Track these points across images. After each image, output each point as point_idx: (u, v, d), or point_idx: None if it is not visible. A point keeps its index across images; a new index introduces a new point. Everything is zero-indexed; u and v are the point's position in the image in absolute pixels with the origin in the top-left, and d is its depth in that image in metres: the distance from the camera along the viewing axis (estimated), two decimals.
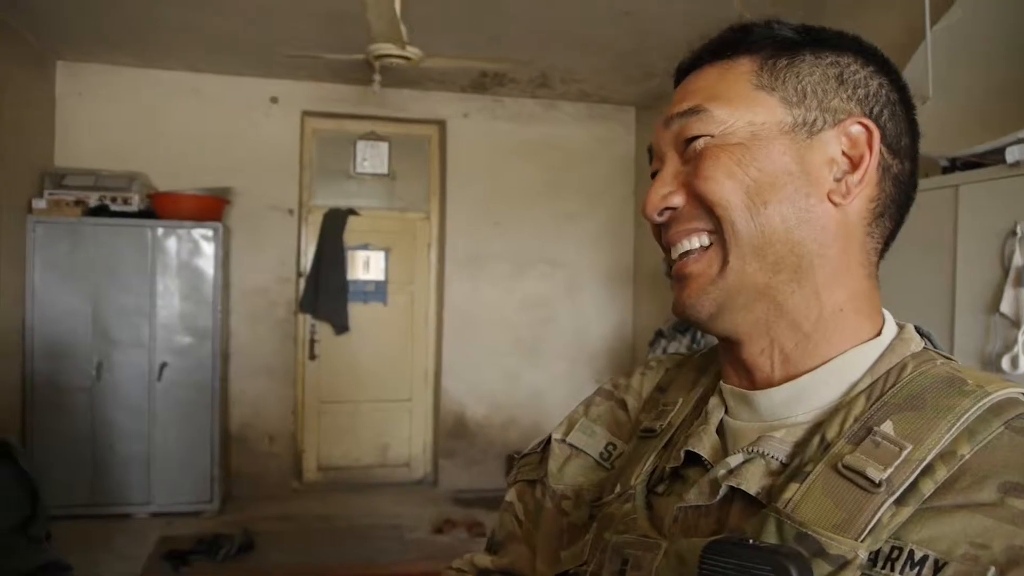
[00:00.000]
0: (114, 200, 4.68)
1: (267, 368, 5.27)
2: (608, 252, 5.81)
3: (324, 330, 5.48)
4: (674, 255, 0.69)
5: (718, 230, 0.65)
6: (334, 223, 5.44)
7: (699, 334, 3.96)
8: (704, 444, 0.68)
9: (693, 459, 0.68)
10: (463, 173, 5.57)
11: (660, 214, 0.69)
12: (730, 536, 0.57)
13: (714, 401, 0.71)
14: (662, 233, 0.70)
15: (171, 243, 4.75)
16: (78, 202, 4.63)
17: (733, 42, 0.69)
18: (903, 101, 0.69)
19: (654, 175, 0.71)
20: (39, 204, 4.58)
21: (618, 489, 0.72)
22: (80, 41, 4.56)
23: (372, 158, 5.59)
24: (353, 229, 5.49)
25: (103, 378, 4.64)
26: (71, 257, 4.61)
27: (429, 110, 5.53)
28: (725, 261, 0.65)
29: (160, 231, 4.73)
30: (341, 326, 5.46)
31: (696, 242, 0.67)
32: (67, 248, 4.61)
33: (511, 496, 0.87)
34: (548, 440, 0.86)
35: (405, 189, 5.70)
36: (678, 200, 0.67)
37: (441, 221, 5.67)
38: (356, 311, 5.52)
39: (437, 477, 5.61)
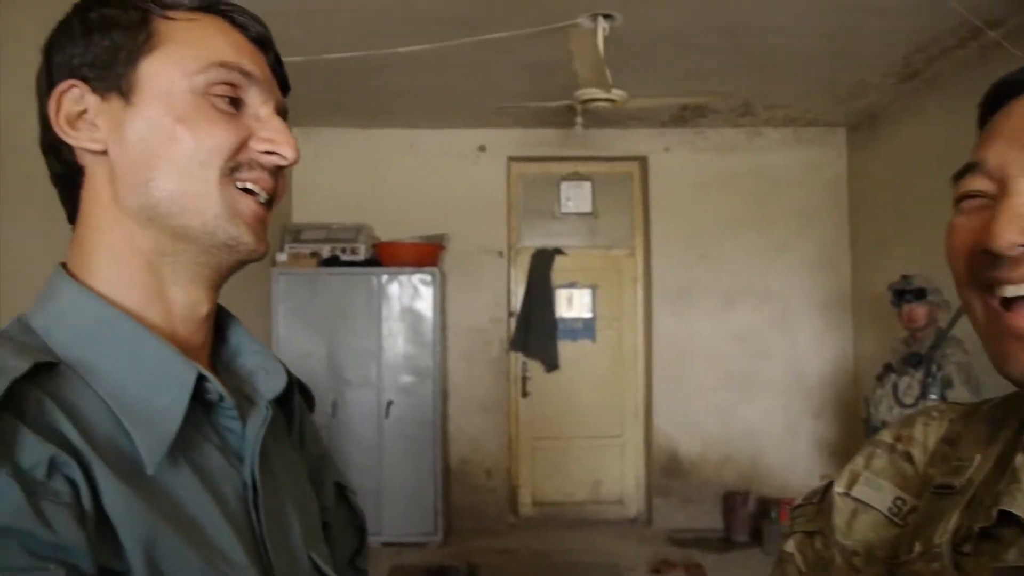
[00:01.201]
0: (343, 251, 5.11)
1: (483, 405, 5.48)
2: (822, 281, 5.54)
3: (535, 368, 5.63)
4: (1010, 292, 0.62)
5: None
6: (542, 263, 5.60)
7: (934, 367, 3.67)
8: (1019, 503, 0.65)
9: (1006, 518, 0.66)
10: (666, 207, 5.56)
11: (1012, 248, 0.60)
12: None
13: (1021, 459, 0.68)
14: (999, 266, 0.62)
15: (394, 288, 5.09)
16: (313, 254, 5.08)
17: None
18: None
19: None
20: (281, 257, 5.08)
21: (919, 548, 0.71)
22: (314, 109, 5.04)
23: (576, 198, 5.72)
24: (560, 268, 5.63)
25: (337, 415, 5.02)
26: (308, 304, 5.05)
27: (630, 147, 5.58)
28: None
29: (384, 278, 5.08)
30: (551, 363, 5.58)
31: None
32: (305, 296, 5.06)
33: (790, 547, 0.86)
34: (825, 490, 0.85)
35: (609, 226, 5.77)
36: None
37: (646, 256, 5.67)
38: (565, 348, 5.62)
39: (651, 516, 5.54)
